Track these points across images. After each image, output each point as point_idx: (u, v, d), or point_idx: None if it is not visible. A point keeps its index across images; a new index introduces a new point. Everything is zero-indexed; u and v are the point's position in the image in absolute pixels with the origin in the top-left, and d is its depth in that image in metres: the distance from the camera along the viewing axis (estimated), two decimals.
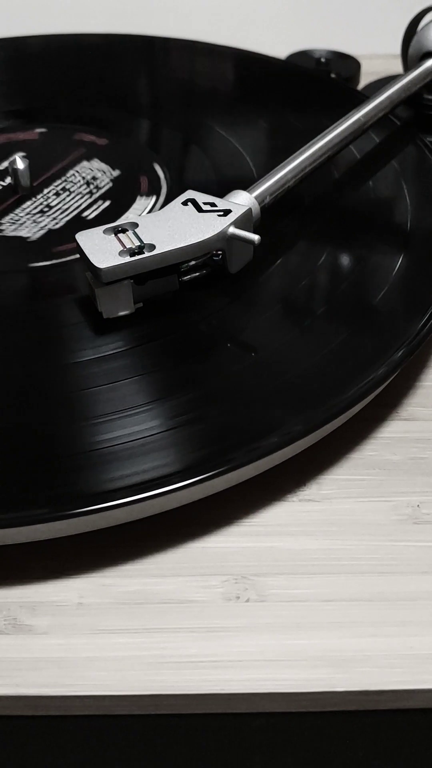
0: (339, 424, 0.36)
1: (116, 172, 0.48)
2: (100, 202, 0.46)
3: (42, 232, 0.44)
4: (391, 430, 0.38)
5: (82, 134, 0.51)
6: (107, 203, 0.46)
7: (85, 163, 0.49)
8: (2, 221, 0.45)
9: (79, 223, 0.44)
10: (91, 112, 0.54)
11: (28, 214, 0.45)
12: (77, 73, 0.59)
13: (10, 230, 0.44)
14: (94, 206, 0.45)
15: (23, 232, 0.44)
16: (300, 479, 0.36)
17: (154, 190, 0.46)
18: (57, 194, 0.47)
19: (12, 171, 0.47)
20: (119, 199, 0.46)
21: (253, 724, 0.31)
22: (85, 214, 0.45)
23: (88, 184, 0.47)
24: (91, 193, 0.46)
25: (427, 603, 0.32)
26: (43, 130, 0.52)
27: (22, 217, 0.45)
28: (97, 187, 0.47)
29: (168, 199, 0.45)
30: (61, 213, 0.45)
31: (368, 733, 0.31)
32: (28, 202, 0.46)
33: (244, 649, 0.30)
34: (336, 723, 0.31)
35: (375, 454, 0.37)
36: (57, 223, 0.44)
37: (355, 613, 0.31)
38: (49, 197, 0.46)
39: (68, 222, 0.45)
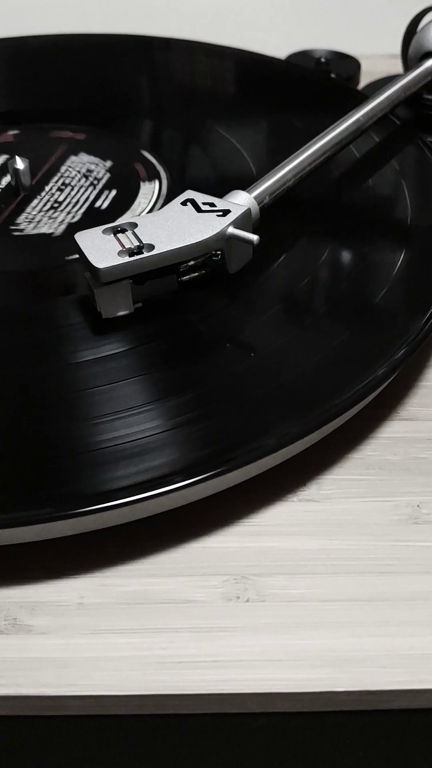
0: (339, 424, 0.36)
1: (108, 163, 0.48)
2: (106, 192, 0.46)
3: (63, 227, 0.44)
4: (391, 430, 0.38)
5: (58, 131, 0.51)
6: (114, 192, 0.46)
7: (73, 158, 0.49)
8: (18, 221, 0.45)
9: (95, 213, 0.45)
10: (65, 108, 0.54)
11: (40, 211, 0.45)
12: (75, 73, 0.59)
13: (30, 229, 0.44)
14: (102, 196, 0.46)
15: (44, 229, 0.44)
16: (300, 479, 0.36)
17: (153, 175, 0.47)
18: (60, 190, 0.47)
19: (12, 171, 0.47)
20: (123, 187, 0.46)
21: (253, 724, 0.31)
22: (97, 204, 0.45)
23: (85, 176, 0.47)
24: (93, 185, 0.46)
25: (427, 603, 0.32)
26: (16, 131, 0.52)
27: (35, 215, 0.45)
28: (97, 179, 0.47)
29: (169, 185, 0.46)
30: (74, 206, 0.45)
31: (368, 733, 0.31)
32: (35, 201, 0.46)
33: (244, 649, 0.30)
34: (336, 723, 0.31)
35: (375, 454, 0.37)
36: (74, 217, 0.45)
37: (355, 613, 0.31)
38: (53, 194, 0.46)
39: (84, 214, 0.45)
